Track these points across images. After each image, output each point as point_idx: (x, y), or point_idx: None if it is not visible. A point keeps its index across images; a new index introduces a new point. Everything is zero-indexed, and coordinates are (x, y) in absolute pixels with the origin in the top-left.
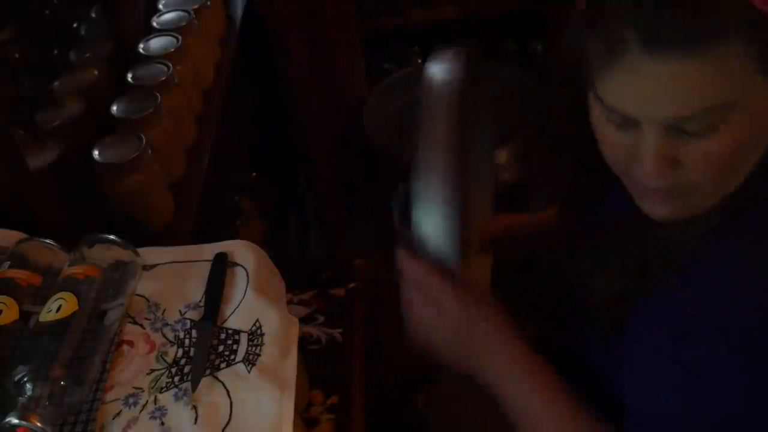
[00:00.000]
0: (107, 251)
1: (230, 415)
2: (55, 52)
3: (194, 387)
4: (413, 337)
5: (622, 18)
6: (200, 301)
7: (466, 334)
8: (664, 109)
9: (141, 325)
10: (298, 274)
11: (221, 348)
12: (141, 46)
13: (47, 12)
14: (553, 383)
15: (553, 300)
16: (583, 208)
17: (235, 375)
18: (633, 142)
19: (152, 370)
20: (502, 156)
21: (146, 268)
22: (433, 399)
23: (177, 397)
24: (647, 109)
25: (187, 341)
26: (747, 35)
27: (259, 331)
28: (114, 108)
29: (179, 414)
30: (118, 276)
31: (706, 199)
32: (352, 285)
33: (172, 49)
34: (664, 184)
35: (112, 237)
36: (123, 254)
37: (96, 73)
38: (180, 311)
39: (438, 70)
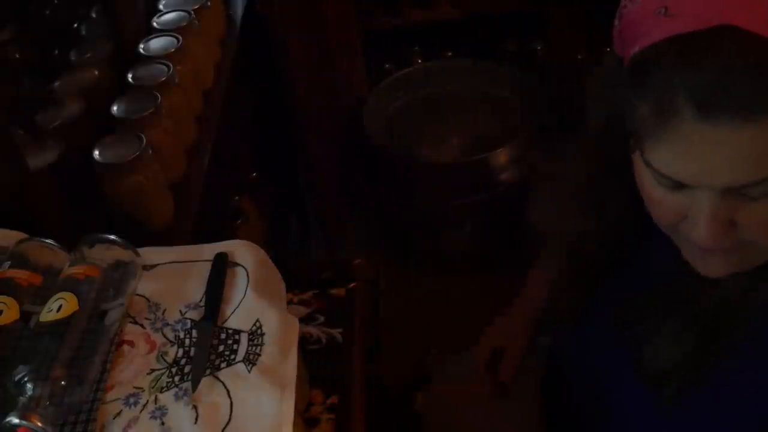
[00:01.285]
0: (107, 251)
1: (230, 415)
2: (55, 52)
3: (194, 387)
4: None
5: (673, 81)
6: (200, 301)
7: None
8: (721, 177)
9: (141, 325)
10: (298, 274)
11: (221, 348)
12: (141, 46)
13: (47, 12)
14: None
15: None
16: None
17: (235, 375)
18: (687, 202)
19: (152, 370)
20: (502, 156)
21: (146, 268)
22: (431, 400)
23: (177, 397)
24: (703, 178)
25: (187, 341)
26: None
27: (259, 331)
28: (114, 108)
29: (179, 414)
30: (118, 276)
31: (763, 258)
32: (352, 285)
33: (172, 49)
34: (720, 246)
35: (112, 237)
36: (123, 254)
37: (96, 73)
38: (180, 311)
39: None
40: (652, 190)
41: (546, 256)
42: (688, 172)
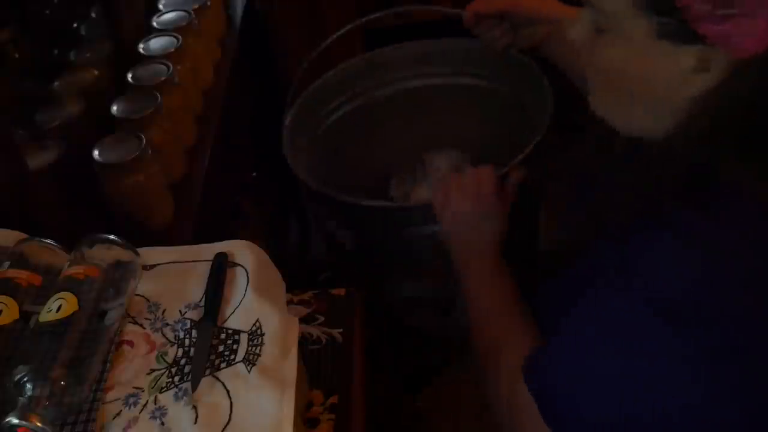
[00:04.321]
0: (107, 251)
1: (230, 415)
2: (55, 52)
3: (194, 387)
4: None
5: None
6: (200, 301)
7: (472, 221)
8: None
9: (141, 325)
10: (298, 274)
11: (221, 348)
12: (141, 46)
13: (47, 12)
14: (510, 292)
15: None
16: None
17: (235, 375)
18: None
19: (152, 370)
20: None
21: (146, 268)
22: (432, 400)
23: (177, 397)
24: None
25: (187, 341)
26: None
27: (259, 331)
28: (114, 108)
29: (179, 414)
30: (118, 276)
31: None
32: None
33: (172, 49)
34: None
35: (112, 237)
36: (123, 254)
37: (96, 73)
38: (180, 311)
39: None
40: None
41: None
42: None
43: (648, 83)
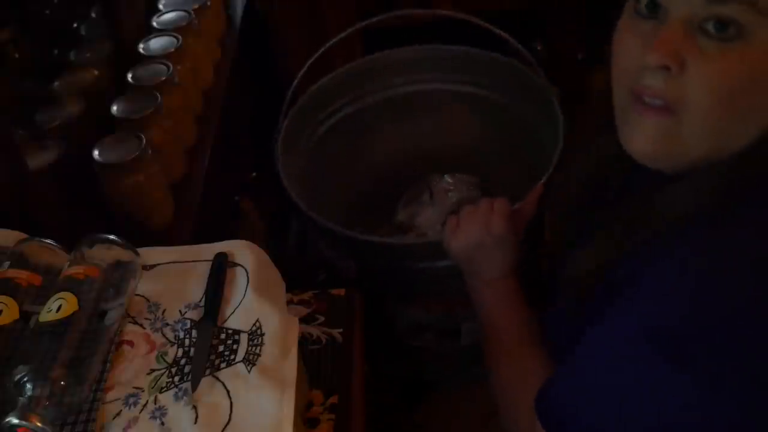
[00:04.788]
0: (107, 251)
1: (230, 415)
2: (55, 52)
3: (194, 387)
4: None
5: None
6: (200, 301)
7: (484, 250)
8: None
9: (141, 325)
10: (298, 274)
11: (221, 348)
12: (141, 46)
13: (47, 12)
14: (525, 320)
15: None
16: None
17: (235, 375)
18: (650, 30)
19: (152, 370)
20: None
21: (146, 268)
22: (430, 415)
23: (177, 397)
24: None
25: (187, 341)
26: None
27: (259, 331)
28: (114, 108)
29: (179, 414)
30: (118, 276)
31: (694, 141)
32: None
33: (172, 49)
34: (661, 88)
35: (112, 237)
36: (123, 254)
37: (96, 73)
38: (180, 311)
39: None
40: (625, 29)
41: None
42: None
43: None
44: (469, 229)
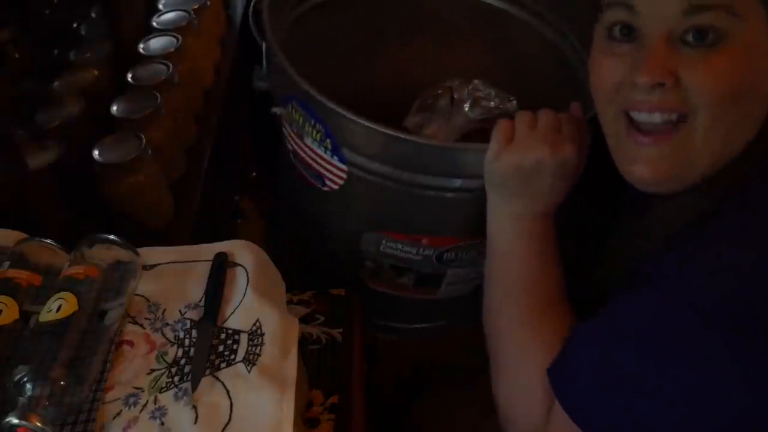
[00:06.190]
0: (107, 251)
1: (230, 415)
2: (55, 52)
3: (194, 387)
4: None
5: None
6: (200, 301)
7: (544, 170)
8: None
9: (141, 325)
10: (298, 274)
11: (221, 348)
12: (141, 46)
13: (47, 12)
14: (559, 273)
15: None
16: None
17: (235, 375)
18: (628, 51)
19: (152, 370)
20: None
21: (146, 268)
22: (427, 410)
23: (177, 397)
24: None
25: (187, 341)
26: None
27: (259, 331)
28: (114, 108)
29: (179, 414)
30: (118, 276)
31: (706, 146)
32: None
33: (172, 49)
34: (659, 100)
35: (112, 237)
36: (123, 254)
37: (96, 73)
38: (180, 311)
39: None
40: (601, 53)
41: None
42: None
43: None
44: (529, 144)
